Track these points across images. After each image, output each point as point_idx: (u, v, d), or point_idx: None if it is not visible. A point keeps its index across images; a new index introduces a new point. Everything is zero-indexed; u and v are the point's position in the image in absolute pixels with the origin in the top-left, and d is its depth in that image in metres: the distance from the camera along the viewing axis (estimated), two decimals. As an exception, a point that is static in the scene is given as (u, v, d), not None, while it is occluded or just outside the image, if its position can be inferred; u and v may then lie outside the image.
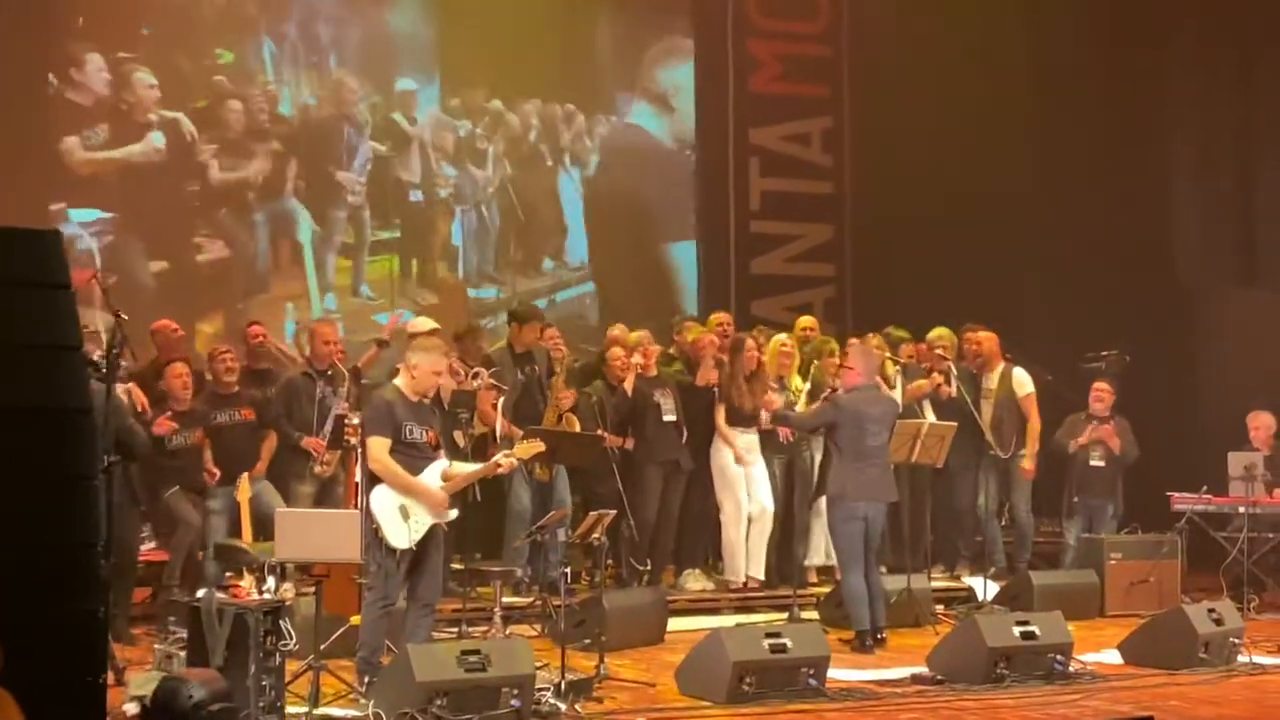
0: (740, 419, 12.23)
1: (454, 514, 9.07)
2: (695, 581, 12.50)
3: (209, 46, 14.59)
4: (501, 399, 11.45)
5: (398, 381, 9.08)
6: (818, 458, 12.20)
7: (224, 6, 14.68)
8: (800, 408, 12.00)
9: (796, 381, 12.50)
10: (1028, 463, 12.97)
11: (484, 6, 15.47)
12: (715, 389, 12.26)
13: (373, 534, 8.73)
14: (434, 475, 8.92)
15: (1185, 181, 15.53)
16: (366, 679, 8.68)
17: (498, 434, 11.26)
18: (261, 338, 12.27)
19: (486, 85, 15.58)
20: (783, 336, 12.68)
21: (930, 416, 12.60)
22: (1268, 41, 14.91)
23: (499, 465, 9.37)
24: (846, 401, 10.94)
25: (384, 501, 8.77)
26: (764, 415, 11.90)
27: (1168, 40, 15.35)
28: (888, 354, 12.86)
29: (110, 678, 7.45)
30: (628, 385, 12.17)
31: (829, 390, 11.44)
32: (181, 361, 11.34)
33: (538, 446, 9.85)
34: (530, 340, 12.11)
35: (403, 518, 8.74)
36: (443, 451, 9.18)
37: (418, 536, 8.79)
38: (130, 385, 10.67)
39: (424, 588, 8.96)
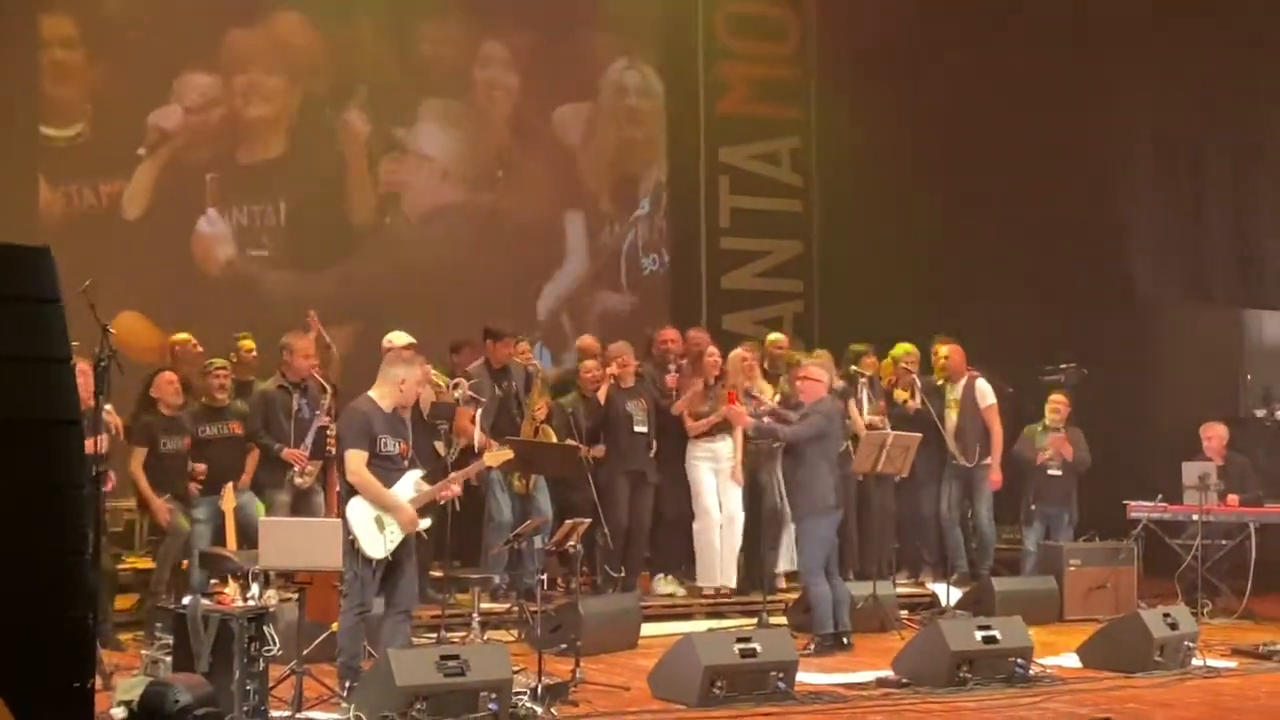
0: (709, 428, 12.24)
1: (426, 523, 9.08)
2: (668, 587, 12.50)
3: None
4: (480, 410, 11.43)
5: (373, 394, 9.06)
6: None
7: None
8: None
9: (768, 391, 12.47)
10: (994, 473, 13.00)
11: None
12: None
13: (349, 544, 8.71)
14: (407, 486, 8.93)
15: (1142, 201, 15.59)
16: (348, 683, 8.67)
17: (476, 446, 11.23)
18: (254, 353, 12.18)
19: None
20: (741, 349, 12.66)
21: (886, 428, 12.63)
22: (1220, 67, 14.98)
23: (447, 487, 9.37)
24: (829, 411, 10.99)
25: (360, 513, 8.76)
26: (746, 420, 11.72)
27: (1125, 65, 15.41)
28: (853, 366, 12.90)
29: (98, 682, 7.40)
30: (601, 395, 12.16)
31: (780, 402, 11.48)
32: (171, 370, 11.30)
33: (506, 454, 9.93)
34: (505, 356, 12.09)
35: (378, 528, 8.76)
36: (408, 462, 9.16)
37: (393, 546, 8.80)
38: (108, 408, 10.62)
39: (401, 594, 8.96)
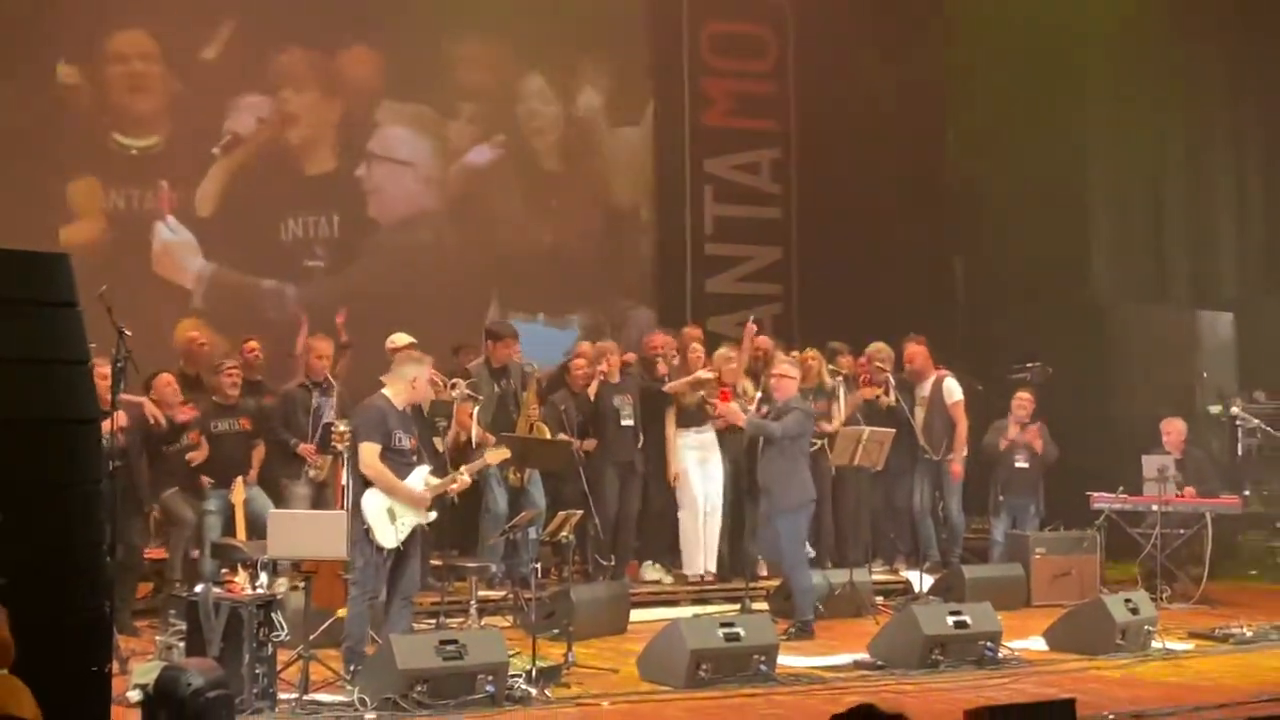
0: (691, 419, 12.24)
1: (433, 515, 9.09)
2: (655, 575, 12.50)
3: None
4: (477, 408, 11.43)
5: (387, 392, 9.08)
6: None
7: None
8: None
9: (749, 388, 12.45)
10: (956, 465, 12.99)
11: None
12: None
13: (363, 533, 8.72)
14: (417, 480, 8.94)
15: (1101, 211, 15.63)
16: (352, 667, 8.66)
17: (474, 441, 11.23)
18: (257, 353, 12.17)
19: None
20: (724, 349, 12.66)
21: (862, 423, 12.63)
22: (1175, 81, 15.04)
23: (456, 479, 9.42)
24: (806, 407, 11.00)
25: (374, 504, 8.77)
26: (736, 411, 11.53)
27: (1085, 79, 15.45)
28: (829, 365, 12.91)
29: (115, 667, 7.40)
30: (591, 391, 12.15)
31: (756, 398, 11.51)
32: (167, 372, 11.29)
33: (504, 453, 10.03)
34: (504, 356, 12.09)
35: (390, 519, 8.77)
36: (417, 457, 9.18)
37: (403, 536, 8.81)
38: (144, 400, 10.65)
39: (405, 583, 8.99)
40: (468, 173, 15.56)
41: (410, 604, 9.12)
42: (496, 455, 10.02)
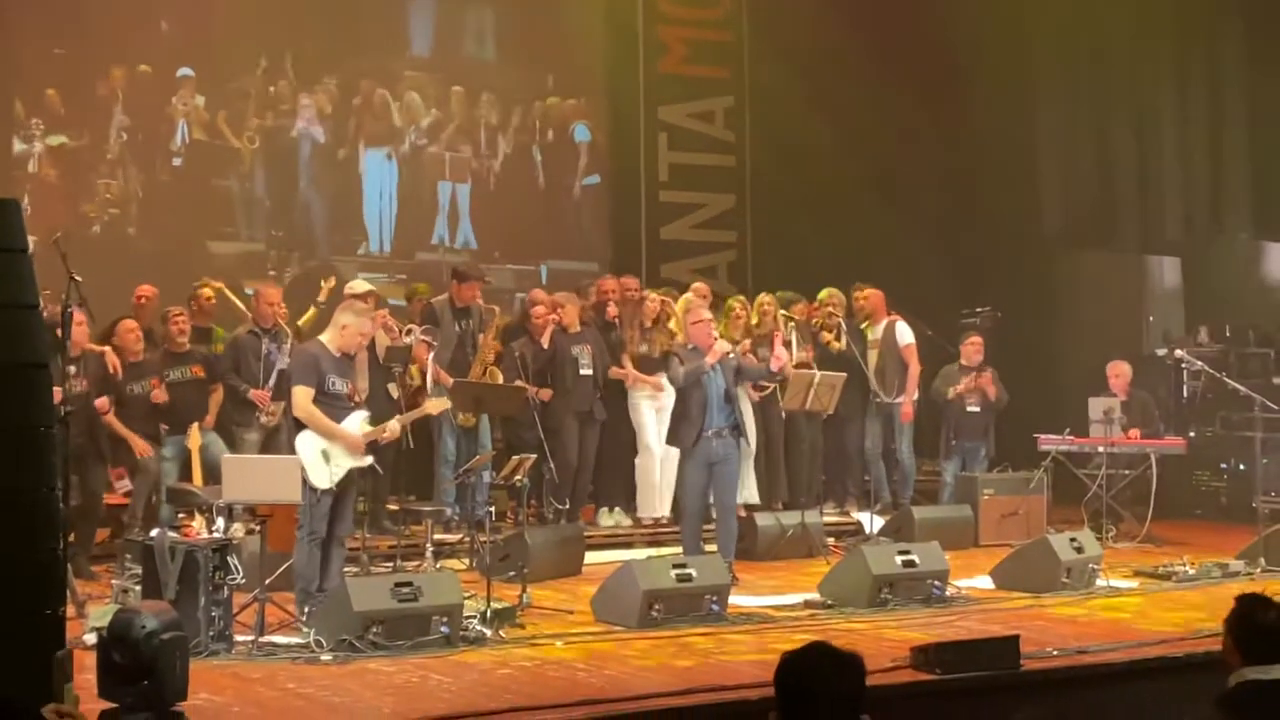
0: (644, 368, 12.24)
1: (369, 460, 9.07)
2: (610, 519, 12.52)
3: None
4: (432, 354, 11.39)
5: (323, 337, 9.06)
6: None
7: None
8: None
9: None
10: (906, 407, 13.05)
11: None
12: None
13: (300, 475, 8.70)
14: (354, 423, 8.93)
15: (1050, 157, 15.67)
16: (307, 609, 8.66)
17: (429, 380, 11.20)
18: (212, 299, 12.08)
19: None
20: (689, 295, 12.67)
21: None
22: (1123, 25, 15.05)
23: (386, 428, 9.28)
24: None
25: (307, 445, 8.76)
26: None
27: (1034, 23, 15.47)
28: (783, 312, 12.92)
29: (71, 610, 7.37)
30: (545, 340, 12.13)
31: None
32: (131, 319, 11.23)
33: (444, 403, 10.14)
34: (469, 297, 12.09)
35: (324, 460, 8.76)
36: (359, 400, 9.20)
37: (338, 477, 8.80)
38: (106, 349, 10.58)
39: (340, 525, 8.99)
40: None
41: (344, 546, 9.15)
42: (437, 405, 10.03)
